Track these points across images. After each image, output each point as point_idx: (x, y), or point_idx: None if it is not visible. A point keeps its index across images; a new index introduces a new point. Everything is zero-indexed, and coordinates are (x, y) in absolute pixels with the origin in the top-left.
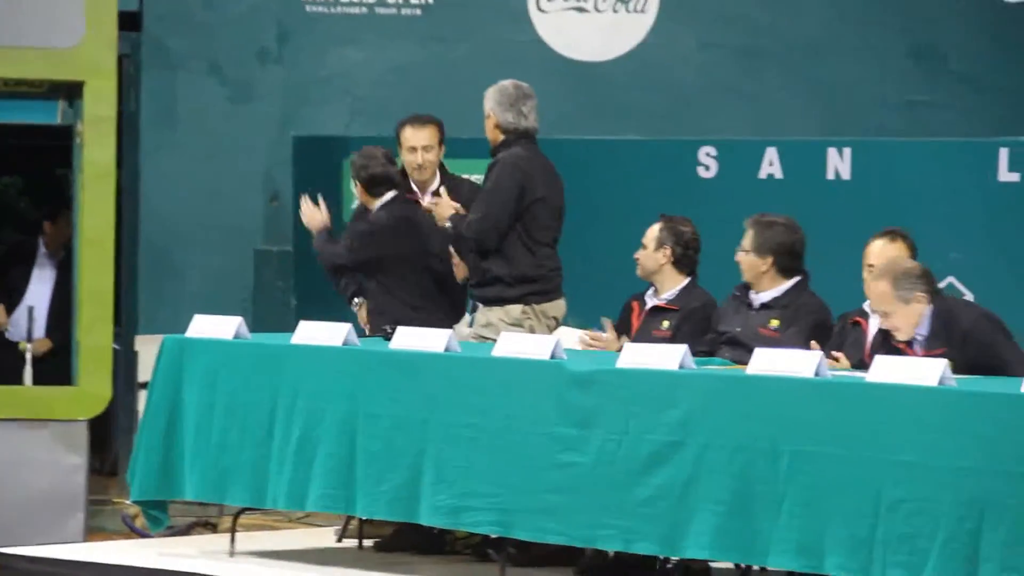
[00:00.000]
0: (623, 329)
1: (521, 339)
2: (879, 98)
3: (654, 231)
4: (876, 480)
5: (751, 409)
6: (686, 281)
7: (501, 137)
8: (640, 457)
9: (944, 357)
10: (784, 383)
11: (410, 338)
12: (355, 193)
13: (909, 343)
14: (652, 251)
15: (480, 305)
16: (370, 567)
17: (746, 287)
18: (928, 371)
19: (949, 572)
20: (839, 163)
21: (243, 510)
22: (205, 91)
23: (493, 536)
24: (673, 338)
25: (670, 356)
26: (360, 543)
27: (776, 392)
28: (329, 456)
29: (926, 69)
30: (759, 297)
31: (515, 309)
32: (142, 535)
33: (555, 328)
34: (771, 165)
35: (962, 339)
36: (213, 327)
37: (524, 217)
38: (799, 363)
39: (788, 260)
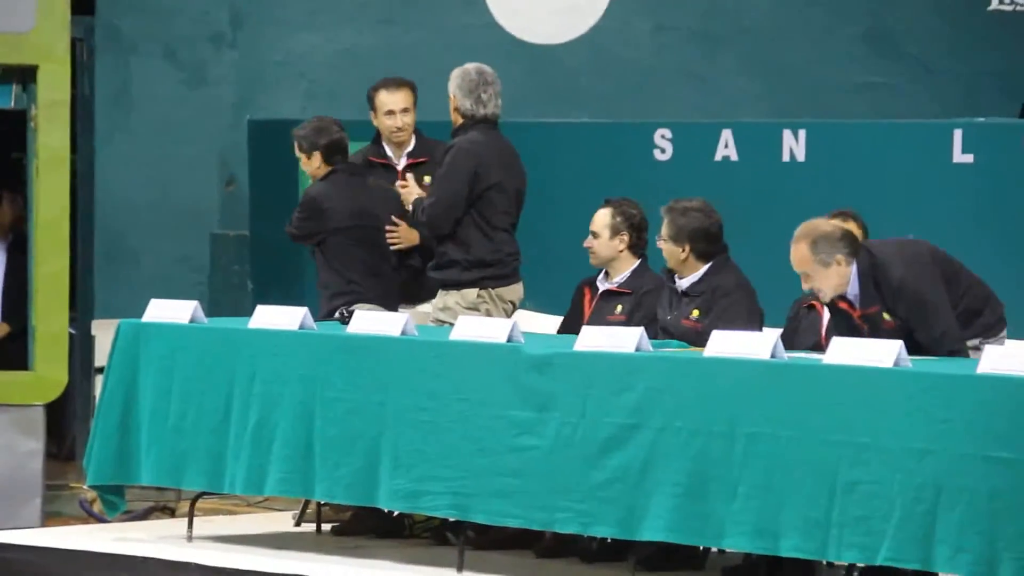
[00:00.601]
0: (575, 315)
1: (478, 322)
2: (834, 80)
3: (605, 218)
4: (832, 462)
5: (708, 392)
6: (636, 263)
7: (460, 121)
8: (597, 440)
9: (880, 313)
10: (740, 365)
11: (367, 322)
12: (303, 164)
13: (852, 304)
14: (608, 239)
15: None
16: (328, 551)
17: (671, 272)
18: (883, 353)
19: (904, 553)
20: (794, 145)
21: (200, 494)
22: (159, 75)
23: (452, 520)
24: (628, 322)
25: (626, 339)
26: (318, 527)
27: (732, 374)
28: (287, 441)
29: (880, 51)
30: (681, 284)
31: (471, 293)
32: (100, 520)
33: (512, 312)
34: (726, 147)
35: (893, 295)
36: (169, 311)
37: (479, 202)
38: (755, 345)
39: (705, 245)
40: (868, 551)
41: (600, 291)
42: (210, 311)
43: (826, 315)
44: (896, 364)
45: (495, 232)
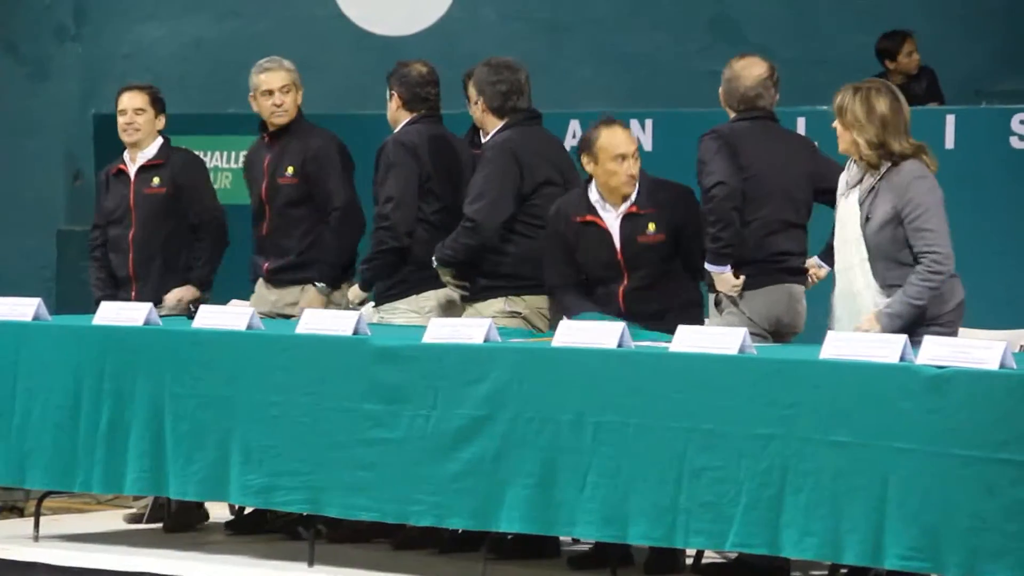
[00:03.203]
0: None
1: (324, 315)
2: (680, 69)
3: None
4: (679, 448)
5: (557, 381)
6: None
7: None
8: (449, 432)
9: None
10: (588, 355)
11: (213, 316)
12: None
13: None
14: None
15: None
16: (178, 547)
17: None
18: (728, 340)
19: (752, 538)
20: (641, 134)
21: (47, 493)
22: (2, 70)
23: (304, 514)
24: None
25: (476, 330)
26: (167, 524)
27: (580, 363)
28: (140, 438)
29: (724, 40)
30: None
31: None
32: None
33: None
34: (574, 137)
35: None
36: (12, 309)
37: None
38: (603, 334)
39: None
40: (716, 536)
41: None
42: (57, 308)
43: (611, 227)
44: (741, 351)
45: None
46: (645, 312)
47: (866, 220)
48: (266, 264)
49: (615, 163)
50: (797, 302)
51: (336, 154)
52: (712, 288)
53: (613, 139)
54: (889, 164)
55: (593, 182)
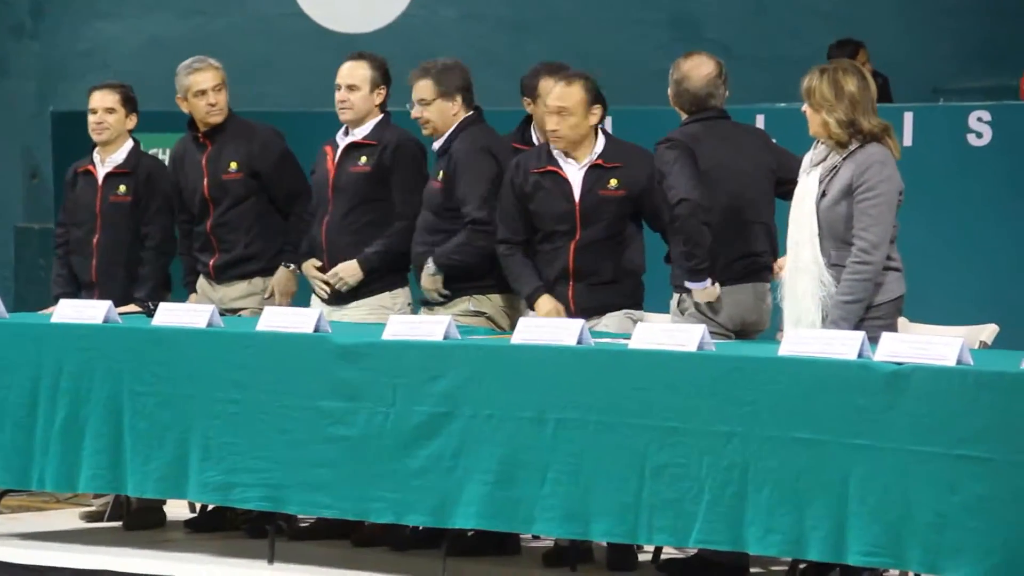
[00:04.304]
0: (320, 171)
1: (285, 313)
2: (640, 67)
3: (365, 74)
4: (640, 446)
5: (516, 378)
6: (381, 116)
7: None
8: (408, 429)
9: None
10: (547, 352)
11: (172, 314)
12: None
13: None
14: (367, 93)
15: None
16: (137, 545)
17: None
18: (687, 337)
19: (715, 535)
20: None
21: (5, 492)
22: None
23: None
24: (372, 173)
25: (435, 327)
26: (126, 523)
27: (540, 361)
28: (97, 436)
29: (684, 38)
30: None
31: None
32: None
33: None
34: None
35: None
36: None
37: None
38: (562, 332)
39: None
40: (679, 534)
41: (343, 145)
42: (15, 306)
43: (572, 177)
44: (700, 348)
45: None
46: (591, 274)
47: (822, 196)
48: (212, 260)
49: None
50: (762, 300)
51: (285, 147)
52: (678, 288)
53: (547, 87)
54: (857, 144)
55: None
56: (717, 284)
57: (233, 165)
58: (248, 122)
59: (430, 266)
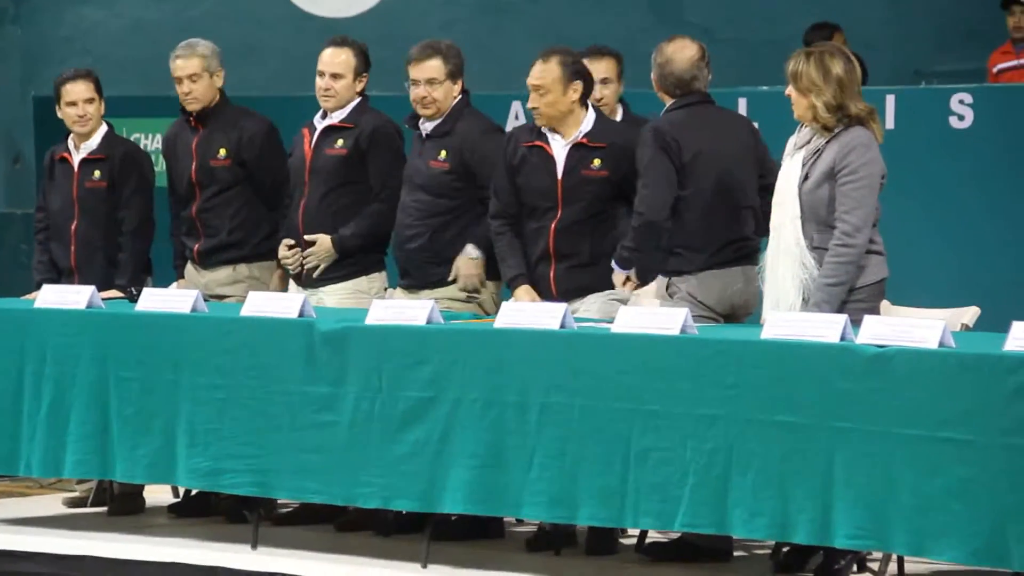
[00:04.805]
0: (297, 154)
1: (269, 297)
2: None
3: (349, 62)
4: (624, 430)
5: (500, 362)
6: (359, 99)
7: None
8: (395, 414)
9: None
10: (530, 336)
11: (156, 299)
12: None
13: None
14: (351, 81)
15: None
16: (121, 531)
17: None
18: (670, 320)
19: (700, 518)
20: None
21: None
22: None
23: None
24: (349, 156)
25: (418, 312)
26: (110, 507)
27: (523, 345)
28: (83, 421)
29: (664, 20)
30: (426, 127)
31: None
32: None
33: None
34: (517, 119)
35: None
36: None
37: None
38: (545, 316)
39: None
40: (664, 517)
41: (320, 128)
42: None
43: (556, 153)
44: (682, 331)
45: None
46: (572, 255)
47: (804, 178)
48: (196, 245)
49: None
50: (751, 283)
51: (275, 139)
52: (667, 272)
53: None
54: (841, 128)
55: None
56: (632, 283)
57: (222, 152)
58: (244, 109)
59: (472, 251)
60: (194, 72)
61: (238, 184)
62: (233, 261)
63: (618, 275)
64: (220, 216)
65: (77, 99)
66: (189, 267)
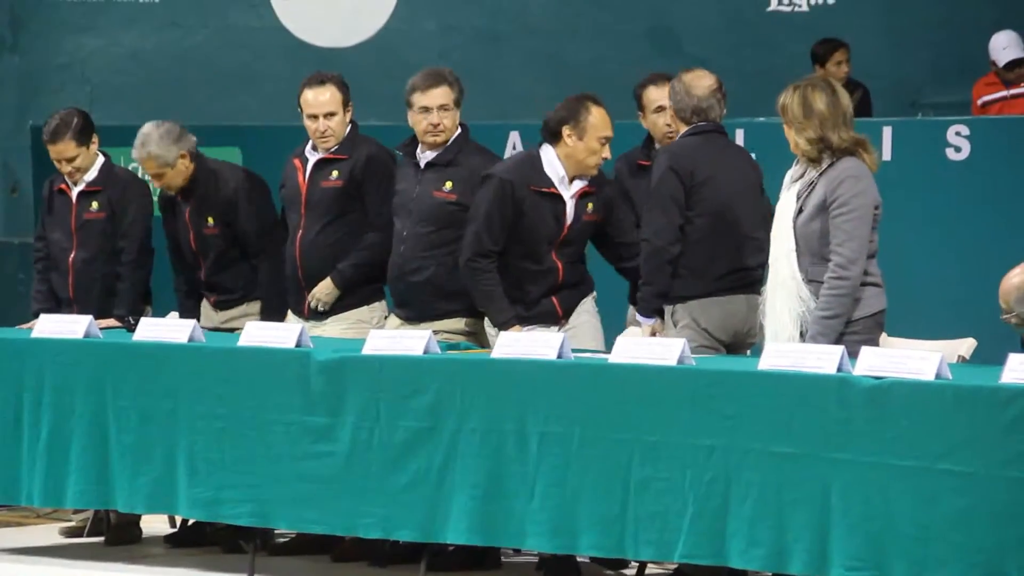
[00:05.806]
0: (291, 186)
1: (267, 328)
2: (618, 80)
3: (336, 97)
4: (624, 460)
5: (498, 392)
6: (349, 127)
7: None
8: (394, 444)
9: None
10: (528, 365)
11: (153, 329)
12: None
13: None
14: (343, 116)
15: None
16: (117, 560)
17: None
18: (667, 352)
19: (700, 548)
20: None
21: None
22: None
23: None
24: (344, 187)
25: (415, 342)
26: (107, 538)
27: (521, 374)
28: (83, 451)
29: (662, 51)
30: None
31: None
32: None
33: None
34: (514, 148)
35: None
36: None
37: None
38: (543, 346)
39: None
40: (664, 547)
41: (313, 160)
42: None
43: (567, 199)
44: (680, 362)
45: None
46: (574, 284)
47: (799, 212)
48: (213, 298)
49: (598, 144)
50: (753, 311)
51: (249, 192)
52: (672, 299)
53: (604, 120)
54: (831, 160)
55: (551, 154)
56: (659, 321)
57: (210, 220)
58: (214, 170)
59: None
60: (155, 172)
61: (233, 246)
62: (248, 300)
63: (645, 328)
64: (229, 274)
65: (61, 158)
66: (205, 304)
